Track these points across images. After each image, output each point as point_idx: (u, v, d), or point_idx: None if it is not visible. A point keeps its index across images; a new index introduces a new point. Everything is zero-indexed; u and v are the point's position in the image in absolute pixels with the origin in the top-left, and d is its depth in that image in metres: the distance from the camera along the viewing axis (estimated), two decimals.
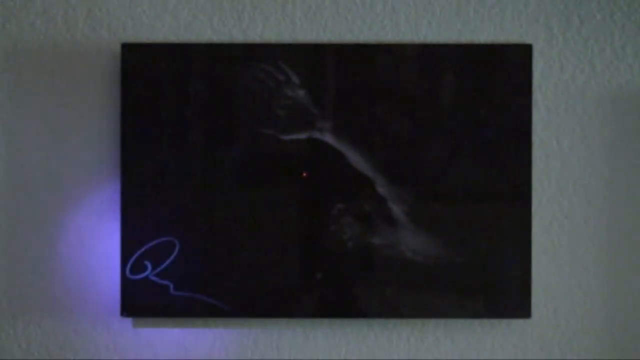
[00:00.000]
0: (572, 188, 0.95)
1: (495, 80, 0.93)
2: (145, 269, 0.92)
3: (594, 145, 0.95)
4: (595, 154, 0.95)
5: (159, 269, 0.92)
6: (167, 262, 0.92)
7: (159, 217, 0.92)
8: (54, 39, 0.94)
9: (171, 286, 0.92)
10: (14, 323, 0.96)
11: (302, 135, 0.93)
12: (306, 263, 0.93)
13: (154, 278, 0.92)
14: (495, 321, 0.96)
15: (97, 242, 0.94)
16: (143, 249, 0.92)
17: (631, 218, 0.96)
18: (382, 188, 0.92)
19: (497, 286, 0.93)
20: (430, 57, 0.93)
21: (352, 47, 0.93)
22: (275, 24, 0.94)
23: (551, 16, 0.95)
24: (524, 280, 0.93)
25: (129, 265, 0.92)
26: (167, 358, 0.96)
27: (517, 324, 0.96)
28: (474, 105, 0.93)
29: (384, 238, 0.93)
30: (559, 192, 0.95)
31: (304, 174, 0.93)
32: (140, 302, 0.93)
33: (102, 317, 0.95)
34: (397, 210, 0.92)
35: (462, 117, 0.93)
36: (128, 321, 0.95)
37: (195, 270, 0.93)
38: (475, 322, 0.96)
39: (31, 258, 0.95)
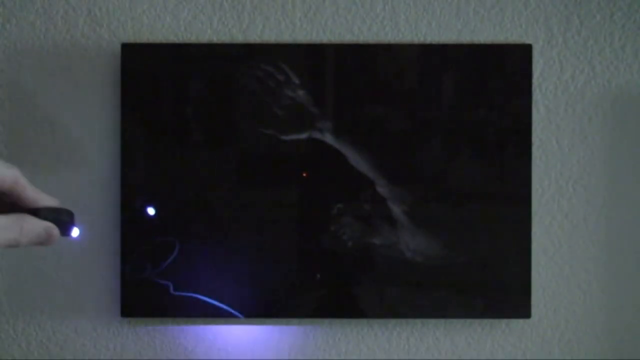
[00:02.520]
0: (572, 188, 0.95)
1: (495, 80, 0.93)
2: (145, 269, 0.92)
3: (594, 145, 0.95)
4: (595, 154, 0.95)
5: (159, 269, 0.92)
6: (167, 262, 0.92)
7: (159, 217, 0.92)
8: (54, 39, 0.94)
9: (171, 286, 0.92)
10: (14, 323, 0.96)
11: (302, 135, 0.93)
12: (306, 263, 0.93)
13: (154, 278, 0.92)
14: (495, 321, 0.96)
15: (96, 241, 0.94)
16: (143, 249, 0.92)
17: (631, 218, 0.96)
18: (382, 188, 0.92)
19: (497, 286, 0.93)
20: (430, 57, 0.93)
21: (352, 47, 0.93)
22: (275, 24, 0.94)
23: (551, 16, 0.95)
24: (524, 280, 0.93)
25: (129, 265, 0.92)
26: (167, 358, 0.96)
27: (517, 324, 0.96)
28: (474, 105, 0.93)
29: (384, 238, 0.93)
30: (559, 192, 0.95)
31: (304, 174, 0.93)
32: (140, 302, 0.93)
33: (102, 317, 0.95)
34: (397, 210, 0.92)
35: (462, 117, 0.93)
36: (128, 321, 0.95)
37: (195, 270, 0.93)
38: (475, 322, 0.96)
39: (31, 258, 0.95)
